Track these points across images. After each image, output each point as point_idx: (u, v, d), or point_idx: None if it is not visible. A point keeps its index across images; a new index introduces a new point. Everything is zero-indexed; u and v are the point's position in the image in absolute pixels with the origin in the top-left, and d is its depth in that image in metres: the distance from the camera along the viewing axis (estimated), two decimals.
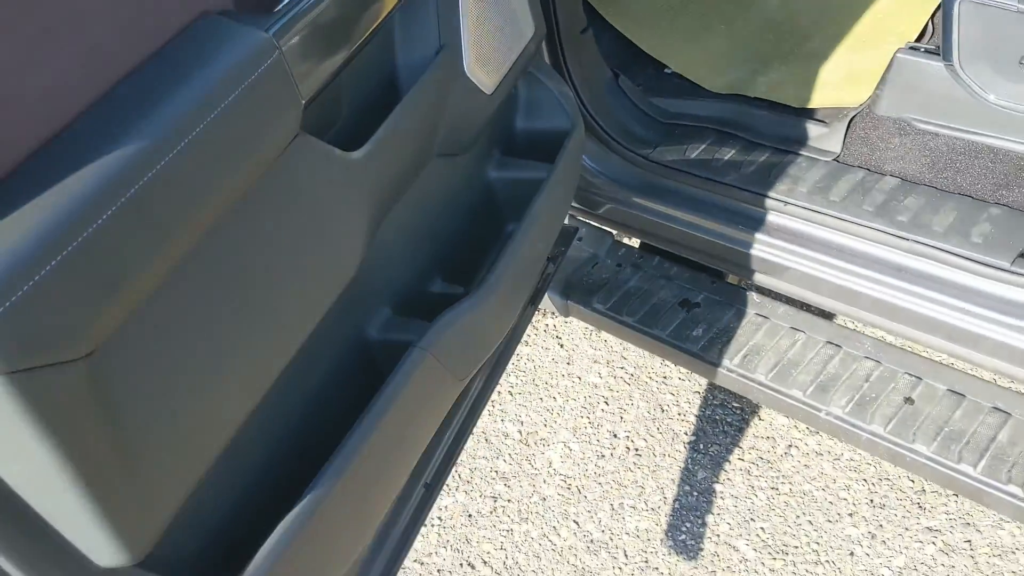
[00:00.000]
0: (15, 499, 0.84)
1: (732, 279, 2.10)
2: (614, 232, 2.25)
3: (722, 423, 2.26)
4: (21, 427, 0.79)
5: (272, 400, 1.14)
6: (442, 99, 1.43)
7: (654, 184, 2.00)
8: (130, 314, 0.89)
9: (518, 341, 1.81)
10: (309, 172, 1.15)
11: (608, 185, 2.07)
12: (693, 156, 1.99)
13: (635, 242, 2.31)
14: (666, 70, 2.26)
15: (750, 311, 1.93)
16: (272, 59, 1.03)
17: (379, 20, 1.24)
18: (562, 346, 2.59)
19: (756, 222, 1.85)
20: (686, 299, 2.02)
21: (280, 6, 1.13)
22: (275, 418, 1.20)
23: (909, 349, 1.83)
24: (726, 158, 1.96)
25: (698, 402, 2.32)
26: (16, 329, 0.76)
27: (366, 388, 1.30)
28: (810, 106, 2.02)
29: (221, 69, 0.98)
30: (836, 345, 1.80)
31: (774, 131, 1.98)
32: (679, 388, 2.37)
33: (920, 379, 1.69)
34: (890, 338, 1.98)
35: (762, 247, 1.84)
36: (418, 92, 1.35)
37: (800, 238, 1.80)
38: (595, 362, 2.51)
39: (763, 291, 2.03)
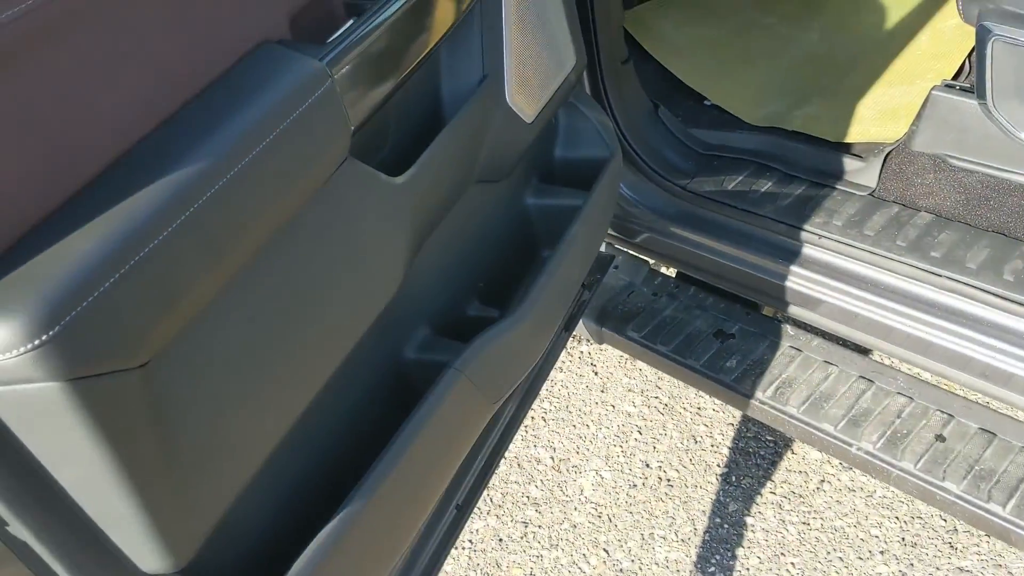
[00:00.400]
0: (68, 502, 0.89)
1: (767, 311, 2.11)
2: (650, 261, 2.27)
3: (755, 456, 2.26)
4: (78, 431, 0.83)
5: (310, 415, 1.18)
6: (484, 127, 1.48)
7: (691, 214, 2.03)
8: (183, 328, 0.93)
9: (551, 366, 1.84)
10: (355, 195, 1.19)
11: (646, 214, 2.09)
12: (731, 187, 2.01)
13: (671, 271, 2.34)
14: (705, 102, 2.29)
15: (784, 343, 1.94)
16: (325, 87, 1.07)
17: (425, 52, 1.28)
18: (596, 374, 2.62)
19: (791, 254, 1.86)
20: (721, 330, 2.03)
21: (333, 37, 1.18)
22: (312, 433, 1.23)
23: (941, 386, 1.83)
24: (763, 190, 1.98)
25: (731, 434, 2.33)
26: (78, 338, 0.80)
27: (401, 405, 1.33)
28: (847, 140, 2.04)
29: (278, 95, 1.03)
30: (869, 380, 1.81)
31: (811, 164, 2.00)
32: (713, 419, 2.38)
33: (952, 416, 1.69)
34: (923, 374, 1.98)
35: (797, 279, 1.86)
36: (460, 120, 1.40)
37: (834, 271, 1.81)
38: (629, 391, 2.53)
39: (797, 323, 2.04)
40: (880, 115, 2.07)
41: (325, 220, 1.15)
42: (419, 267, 1.41)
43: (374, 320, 1.26)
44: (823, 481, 2.17)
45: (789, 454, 2.24)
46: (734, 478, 2.23)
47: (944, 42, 2.23)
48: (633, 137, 2.07)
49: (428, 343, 1.45)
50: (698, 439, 2.35)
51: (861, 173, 1.92)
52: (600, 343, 2.21)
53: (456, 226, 1.52)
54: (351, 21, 1.25)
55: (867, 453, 1.69)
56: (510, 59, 1.51)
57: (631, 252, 2.26)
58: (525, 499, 2.30)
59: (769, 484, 2.19)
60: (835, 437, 1.73)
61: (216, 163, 0.95)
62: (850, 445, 1.71)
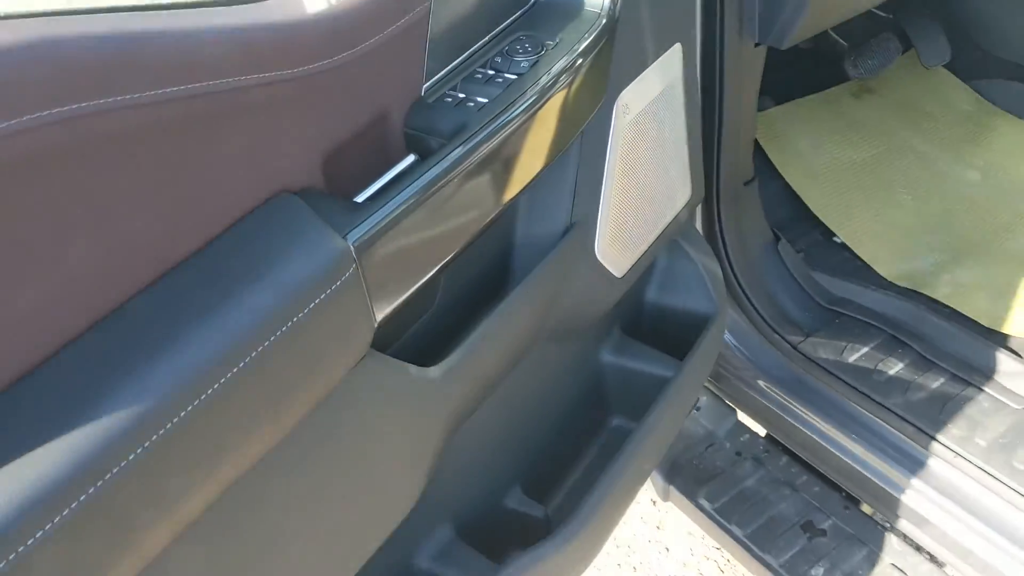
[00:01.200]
0: None
1: (867, 507, 1.76)
2: (738, 411, 1.94)
3: None
4: None
5: None
6: (560, 288, 1.17)
7: (799, 381, 1.69)
8: None
9: None
10: (372, 395, 0.90)
11: (743, 365, 1.76)
12: (852, 359, 1.67)
13: (761, 430, 2.00)
14: (835, 238, 1.94)
15: (885, 559, 1.60)
16: (345, 277, 0.78)
17: (494, 215, 0.98)
18: (654, 503, 2.30)
19: (914, 464, 1.52)
20: (810, 521, 1.69)
21: (373, 189, 0.89)
22: None
23: None
24: (891, 373, 1.63)
25: None
26: None
27: None
28: (1004, 330, 1.67)
29: (279, 292, 0.75)
30: None
31: (956, 351, 1.64)
32: None
33: None
34: None
35: (915, 494, 1.51)
36: (529, 286, 1.09)
37: (963, 499, 1.46)
38: (689, 533, 2.20)
39: (902, 533, 1.69)
40: None
41: (327, 431, 0.86)
42: (450, 452, 1.11)
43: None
44: None
45: None
46: None
47: None
48: (743, 274, 1.74)
49: (447, 551, 1.15)
50: None
51: (1019, 379, 1.55)
52: (665, 500, 1.89)
53: (505, 394, 1.22)
54: (410, 159, 0.96)
55: None
56: (608, 204, 1.20)
57: (717, 394, 1.93)
58: None
59: None
60: None
61: (171, 394, 0.67)
62: None
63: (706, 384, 1.91)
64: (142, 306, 0.72)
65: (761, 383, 1.74)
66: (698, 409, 1.94)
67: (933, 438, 1.50)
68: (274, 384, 0.75)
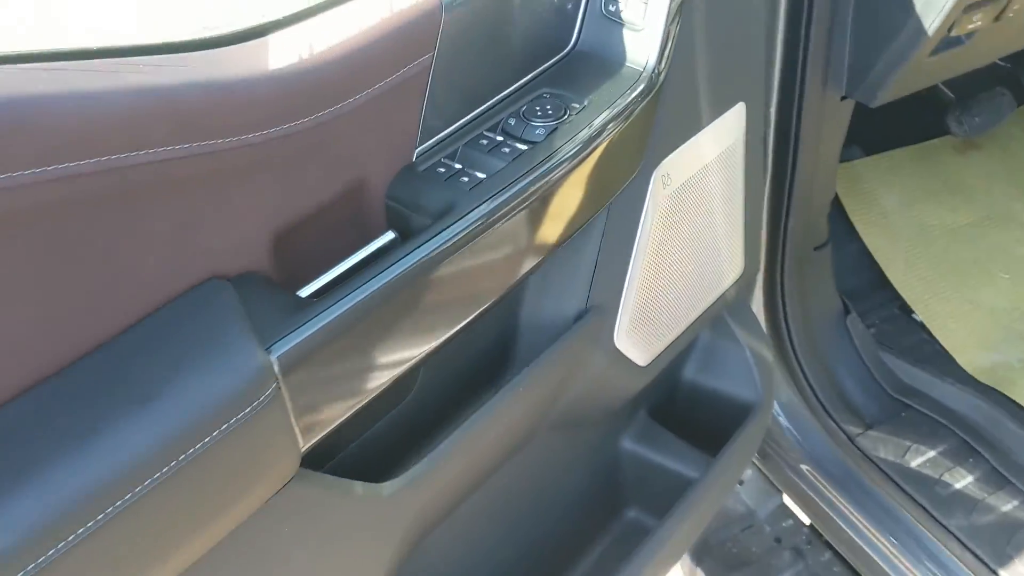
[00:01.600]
0: None
1: None
2: (783, 491, 1.76)
3: None
4: None
5: None
6: (566, 379, 1.02)
7: (851, 476, 1.50)
8: None
9: None
10: (301, 521, 0.77)
11: (792, 447, 1.59)
12: (913, 464, 1.48)
13: (806, 518, 1.82)
14: (913, 315, 1.73)
15: None
16: (260, 400, 0.65)
17: (463, 324, 0.83)
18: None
19: None
20: None
21: (318, 286, 0.75)
22: None
23: None
24: (957, 486, 1.43)
25: None
26: None
27: None
28: None
29: (175, 416, 0.62)
30: None
31: None
32: None
33: None
34: None
35: None
36: (525, 381, 0.94)
37: None
38: None
39: None
40: None
41: (245, 560, 0.74)
42: (420, 554, 0.98)
43: None
44: None
45: None
46: None
47: None
48: (803, 348, 1.56)
49: None
50: None
51: None
52: None
53: (489, 484, 1.07)
54: (387, 237, 0.82)
55: None
56: (634, 286, 1.04)
57: (762, 469, 1.76)
58: None
59: None
60: None
61: (45, 526, 0.56)
62: None
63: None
64: (14, 419, 0.60)
65: (808, 470, 1.56)
66: (741, 483, 1.77)
67: (996, 573, 1.31)
68: (168, 517, 0.63)
